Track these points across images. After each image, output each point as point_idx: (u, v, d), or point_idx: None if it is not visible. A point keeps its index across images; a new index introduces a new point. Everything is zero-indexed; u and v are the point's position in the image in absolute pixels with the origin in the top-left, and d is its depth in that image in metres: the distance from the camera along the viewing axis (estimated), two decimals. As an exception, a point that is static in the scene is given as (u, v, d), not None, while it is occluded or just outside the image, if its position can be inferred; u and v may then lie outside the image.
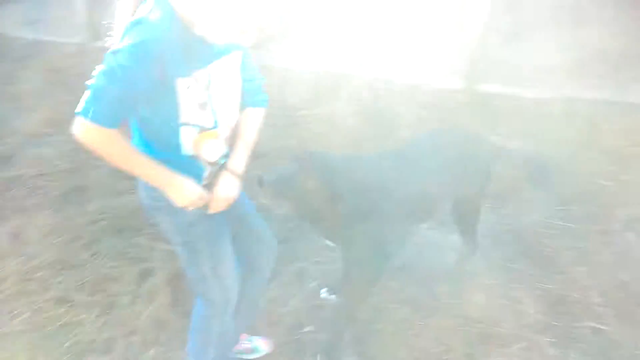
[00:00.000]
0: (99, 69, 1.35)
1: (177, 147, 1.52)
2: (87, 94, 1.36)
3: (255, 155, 1.77)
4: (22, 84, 5.15)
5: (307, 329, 2.31)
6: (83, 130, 1.38)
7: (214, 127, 1.55)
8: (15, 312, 2.41)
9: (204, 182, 1.60)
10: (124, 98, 1.38)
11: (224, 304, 1.79)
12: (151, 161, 1.49)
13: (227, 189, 1.62)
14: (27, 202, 3.27)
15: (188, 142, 1.52)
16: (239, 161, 1.65)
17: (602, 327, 2.27)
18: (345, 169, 1.94)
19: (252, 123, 1.72)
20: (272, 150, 3.52)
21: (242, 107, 1.70)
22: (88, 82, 1.36)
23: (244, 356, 2.17)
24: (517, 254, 2.73)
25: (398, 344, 2.20)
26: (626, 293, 2.44)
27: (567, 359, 2.15)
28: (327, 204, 1.87)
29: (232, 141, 1.66)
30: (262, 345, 2.20)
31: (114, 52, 1.33)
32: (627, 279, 2.51)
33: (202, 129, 1.52)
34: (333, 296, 2.42)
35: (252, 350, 2.18)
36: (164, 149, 1.53)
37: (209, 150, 1.58)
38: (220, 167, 1.62)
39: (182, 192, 1.52)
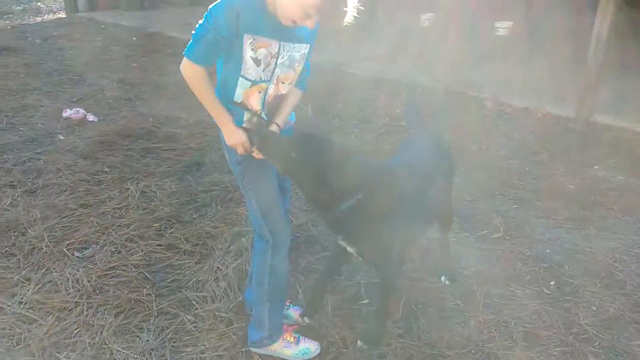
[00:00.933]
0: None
1: (232, 93, 1.93)
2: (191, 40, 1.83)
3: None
4: (170, 75, 6.00)
5: (365, 301, 2.58)
6: (183, 64, 1.84)
7: (268, 83, 1.93)
8: (132, 250, 2.96)
9: (244, 125, 1.98)
10: (212, 41, 1.79)
11: (274, 242, 2.10)
12: (219, 103, 1.91)
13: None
14: (157, 169, 3.90)
15: (240, 91, 1.92)
16: (279, 120, 2.02)
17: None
18: (362, 165, 2.07)
19: (294, 98, 2.09)
20: (365, 150, 3.86)
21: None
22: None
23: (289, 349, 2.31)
24: (585, 271, 2.78)
25: (442, 328, 2.39)
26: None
27: (609, 373, 2.21)
28: (333, 195, 1.98)
29: (271, 107, 2.02)
30: (295, 314, 2.46)
31: (209, 9, 1.78)
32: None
33: (254, 83, 1.91)
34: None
35: (285, 316, 2.41)
36: (222, 93, 1.95)
37: (255, 100, 1.96)
38: (258, 116, 1.99)
39: (231, 135, 1.93)
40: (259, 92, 1.94)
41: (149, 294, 2.62)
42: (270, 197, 2.10)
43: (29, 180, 3.71)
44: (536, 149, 4.31)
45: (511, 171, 3.93)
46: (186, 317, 2.46)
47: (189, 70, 1.85)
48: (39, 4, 11.81)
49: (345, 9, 1.80)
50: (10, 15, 10.31)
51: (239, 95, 1.93)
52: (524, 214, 3.34)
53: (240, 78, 1.90)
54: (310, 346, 2.28)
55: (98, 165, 3.94)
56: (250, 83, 1.91)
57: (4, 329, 2.40)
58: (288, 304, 2.48)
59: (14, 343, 2.33)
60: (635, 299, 2.58)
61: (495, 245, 3.02)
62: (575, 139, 4.52)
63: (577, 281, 2.71)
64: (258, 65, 1.87)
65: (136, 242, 3.03)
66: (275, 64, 1.90)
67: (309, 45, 1.99)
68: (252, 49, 1.83)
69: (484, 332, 2.38)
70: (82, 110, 4.96)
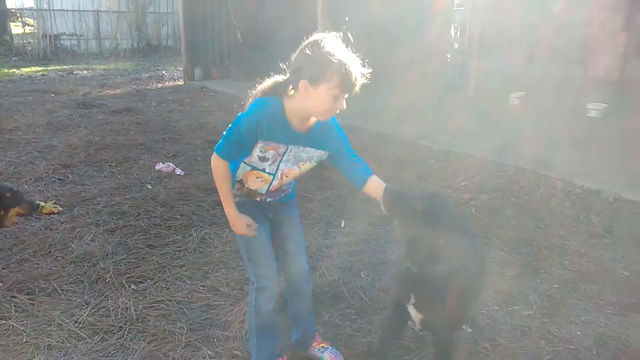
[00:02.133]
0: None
1: (234, 171, 2.31)
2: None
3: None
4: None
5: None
6: (212, 157, 2.24)
7: (272, 175, 2.29)
8: (179, 288, 3.29)
9: (237, 187, 2.36)
10: (235, 142, 2.19)
11: (258, 285, 2.35)
12: (230, 195, 2.29)
13: None
14: (221, 220, 4.28)
15: (241, 172, 2.31)
16: None
17: None
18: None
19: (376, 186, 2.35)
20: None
21: (363, 176, 2.36)
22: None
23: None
24: (612, 357, 2.66)
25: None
26: None
27: None
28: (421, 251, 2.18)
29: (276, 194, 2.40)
30: (328, 358, 2.61)
31: (238, 116, 2.16)
32: None
33: (254, 169, 2.27)
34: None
35: (319, 359, 2.62)
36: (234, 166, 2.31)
37: (253, 182, 2.31)
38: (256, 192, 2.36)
39: (234, 221, 2.33)
40: (257, 177, 2.30)
41: (182, 327, 2.91)
42: (255, 244, 2.38)
43: (112, 220, 4.25)
44: (599, 232, 4.16)
45: (565, 252, 3.83)
46: (207, 352, 2.71)
47: (216, 162, 2.24)
48: (163, 72, 13.41)
49: (362, 76, 2.07)
50: (138, 81, 11.82)
51: (239, 174, 2.33)
52: (564, 295, 3.25)
53: (242, 163, 2.28)
54: None
55: (172, 213, 4.42)
56: (250, 167, 2.29)
57: (57, 342, 2.79)
58: (326, 346, 2.66)
59: (62, 355, 2.69)
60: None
61: (524, 322, 2.97)
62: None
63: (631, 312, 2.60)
64: (263, 161, 2.24)
65: (184, 281, 3.38)
66: (281, 160, 2.25)
67: (323, 151, 2.31)
68: (261, 151, 2.20)
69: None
70: (172, 165, 5.59)
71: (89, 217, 4.30)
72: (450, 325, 2.32)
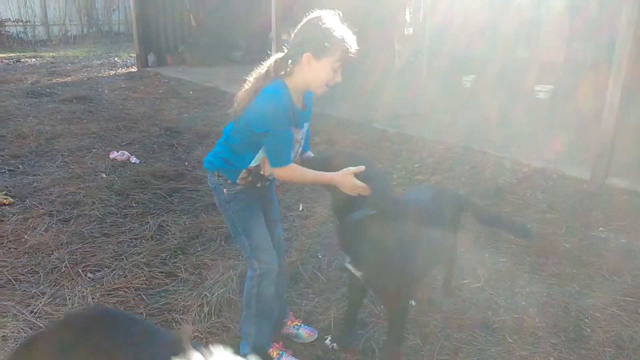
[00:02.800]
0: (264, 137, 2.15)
1: (249, 158, 2.26)
2: (272, 154, 2.16)
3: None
4: (213, 125, 6.54)
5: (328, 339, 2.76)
6: (280, 172, 2.19)
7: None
8: (137, 275, 3.30)
9: (242, 176, 2.30)
10: (288, 140, 2.15)
11: (262, 271, 2.36)
12: (316, 174, 2.24)
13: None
14: (178, 207, 4.30)
15: (258, 158, 2.26)
16: None
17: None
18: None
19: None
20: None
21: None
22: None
23: (291, 338, 2.72)
24: (553, 325, 2.83)
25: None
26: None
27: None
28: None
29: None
30: (305, 334, 2.72)
31: (268, 121, 2.10)
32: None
33: None
34: (334, 345, 2.67)
35: (296, 336, 2.71)
36: (234, 156, 2.27)
37: (267, 168, 2.28)
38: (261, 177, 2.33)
39: (341, 184, 2.19)
40: None
41: (141, 313, 2.93)
42: (257, 230, 2.38)
43: (66, 210, 4.19)
44: (544, 208, 4.37)
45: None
46: (167, 335, 2.74)
47: (287, 172, 2.19)
48: (115, 58, 13.07)
49: (357, 48, 2.16)
50: (89, 68, 11.49)
51: (257, 160, 2.27)
52: (510, 268, 3.42)
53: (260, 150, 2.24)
54: None
55: (128, 201, 4.39)
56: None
57: (13, 332, 2.76)
58: (299, 324, 2.76)
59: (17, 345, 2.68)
60: (596, 353, 2.61)
61: (472, 294, 3.13)
62: (587, 201, 4.54)
63: (543, 333, 2.77)
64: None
65: (142, 268, 3.38)
66: (298, 148, 2.31)
67: (308, 123, 2.36)
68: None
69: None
70: (127, 153, 5.52)
71: (42, 208, 4.23)
72: (390, 280, 2.34)
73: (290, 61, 2.17)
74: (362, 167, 2.18)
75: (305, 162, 2.31)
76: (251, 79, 2.23)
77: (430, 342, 2.69)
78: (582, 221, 4.13)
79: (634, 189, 4.64)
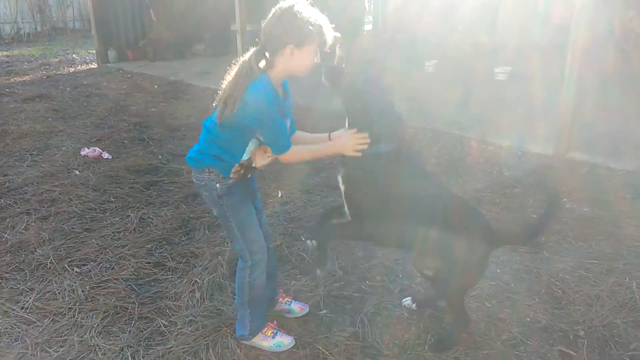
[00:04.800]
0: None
1: (242, 150, 2.33)
2: (273, 143, 2.27)
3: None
4: (182, 119, 6.54)
5: (323, 311, 2.88)
6: (284, 156, 2.28)
7: None
8: (124, 267, 3.34)
9: (235, 170, 2.36)
10: (283, 125, 2.25)
11: (252, 262, 2.46)
12: (315, 148, 2.44)
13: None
14: (157, 199, 4.34)
15: (252, 147, 2.34)
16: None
17: (571, 352, 2.52)
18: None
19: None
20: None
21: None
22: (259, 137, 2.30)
23: (283, 314, 2.83)
24: (527, 289, 3.03)
25: (385, 333, 2.68)
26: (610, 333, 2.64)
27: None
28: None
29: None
30: (297, 309, 2.84)
31: (259, 112, 2.17)
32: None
33: (262, 143, 2.34)
34: (413, 305, 2.85)
35: (288, 311, 2.83)
36: (226, 149, 2.33)
37: (261, 158, 2.39)
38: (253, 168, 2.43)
39: (342, 147, 2.34)
40: (265, 152, 2.38)
41: (133, 302, 2.98)
42: (250, 223, 2.46)
43: (43, 208, 4.18)
44: (511, 184, 4.59)
45: (481, 202, 4.21)
46: (161, 322, 2.81)
47: (293, 155, 2.32)
48: (74, 55, 12.80)
49: (335, 34, 2.27)
50: (47, 66, 11.23)
51: (247, 152, 2.35)
52: (484, 240, 3.61)
53: (253, 139, 2.33)
54: (284, 340, 2.62)
55: (105, 196, 4.40)
56: (259, 142, 2.35)
57: (6, 328, 2.78)
58: (290, 300, 2.88)
59: (13, 340, 2.71)
60: (567, 312, 2.82)
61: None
62: (551, 174, 4.79)
63: (518, 297, 2.96)
64: None
65: (128, 260, 3.42)
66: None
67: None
68: None
69: (420, 337, 2.65)
70: (98, 149, 5.49)
71: (18, 207, 4.20)
72: (362, 210, 2.41)
73: (268, 53, 2.24)
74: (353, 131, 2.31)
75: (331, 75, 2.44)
76: (230, 77, 2.27)
77: (414, 311, 2.84)
78: (547, 193, 4.36)
79: (594, 161, 4.91)
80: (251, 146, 2.34)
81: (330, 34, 2.25)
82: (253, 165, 2.41)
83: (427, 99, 7.42)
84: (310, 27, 2.19)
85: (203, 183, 2.41)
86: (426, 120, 6.26)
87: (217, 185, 2.37)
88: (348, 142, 2.32)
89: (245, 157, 2.35)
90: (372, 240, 2.69)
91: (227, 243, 3.50)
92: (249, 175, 2.47)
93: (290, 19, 2.19)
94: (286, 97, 2.40)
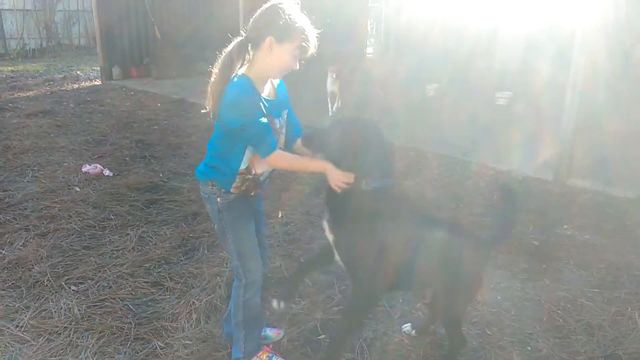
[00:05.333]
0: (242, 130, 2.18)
1: (239, 158, 2.30)
2: (256, 145, 2.21)
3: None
4: (184, 137, 6.53)
5: (321, 336, 2.85)
6: (270, 158, 2.23)
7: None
8: (122, 286, 3.31)
9: (237, 185, 2.35)
10: (267, 125, 2.18)
11: (247, 281, 2.43)
12: (304, 160, 2.35)
13: None
14: (157, 218, 4.32)
15: (249, 155, 2.30)
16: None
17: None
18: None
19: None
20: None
21: (295, 136, 2.49)
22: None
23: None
24: (528, 317, 3.00)
25: (385, 360, 2.65)
26: None
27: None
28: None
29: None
30: (273, 334, 2.80)
31: (240, 113, 2.15)
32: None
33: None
34: (413, 332, 2.81)
35: (264, 338, 2.77)
36: (224, 159, 2.32)
37: (259, 165, 2.34)
38: (258, 179, 2.38)
39: (330, 173, 2.23)
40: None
41: (130, 322, 2.95)
42: (247, 240, 2.44)
43: (42, 224, 4.16)
44: (511, 209, 4.57)
45: (482, 227, 4.19)
46: (157, 343, 2.77)
47: (274, 158, 2.24)
48: (78, 72, 12.89)
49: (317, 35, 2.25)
50: (52, 82, 11.31)
51: (245, 161, 2.32)
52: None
53: (247, 148, 2.29)
54: None
55: (105, 214, 4.38)
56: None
57: (0, 347, 2.75)
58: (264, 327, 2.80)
59: (6, 359, 2.67)
60: (569, 341, 2.79)
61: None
62: (552, 201, 4.78)
63: (519, 325, 2.93)
64: None
65: (126, 279, 3.39)
66: (279, 137, 2.35)
67: (287, 109, 2.43)
68: None
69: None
70: (99, 166, 5.49)
71: (17, 223, 4.18)
72: (364, 273, 2.36)
73: (250, 45, 2.23)
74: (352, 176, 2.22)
75: (306, 140, 2.40)
76: (216, 70, 2.27)
77: (417, 338, 2.81)
78: (549, 220, 4.35)
79: (595, 188, 4.91)
80: (248, 154, 2.31)
81: (313, 42, 2.23)
82: (253, 174, 2.35)
83: (428, 122, 7.46)
84: (295, 25, 2.18)
85: (207, 196, 2.41)
86: (426, 143, 6.28)
87: (219, 199, 2.37)
88: (336, 175, 2.23)
89: (243, 165, 2.32)
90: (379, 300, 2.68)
91: (227, 264, 3.48)
92: (252, 193, 2.44)
93: (276, 11, 2.19)
94: (277, 97, 2.35)
